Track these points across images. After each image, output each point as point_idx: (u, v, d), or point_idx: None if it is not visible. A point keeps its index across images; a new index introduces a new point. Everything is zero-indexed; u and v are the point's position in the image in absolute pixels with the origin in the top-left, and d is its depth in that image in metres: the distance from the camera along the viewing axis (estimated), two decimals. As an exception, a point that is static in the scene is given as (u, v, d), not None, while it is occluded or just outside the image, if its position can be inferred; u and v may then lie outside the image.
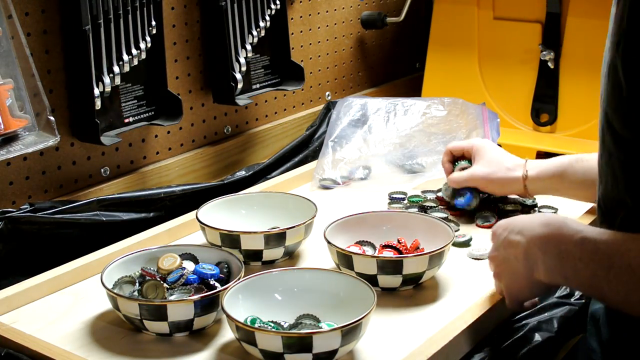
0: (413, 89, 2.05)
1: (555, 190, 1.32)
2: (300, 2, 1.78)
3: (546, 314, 1.06)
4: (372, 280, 1.09)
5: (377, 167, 1.56)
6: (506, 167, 1.34)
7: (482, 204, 1.38)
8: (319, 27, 1.85)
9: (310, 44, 1.84)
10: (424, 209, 1.38)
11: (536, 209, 1.39)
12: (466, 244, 1.26)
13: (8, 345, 0.99)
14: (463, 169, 1.38)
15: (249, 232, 1.19)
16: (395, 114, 1.66)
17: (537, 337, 1.02)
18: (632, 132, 0.85)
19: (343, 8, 1.91)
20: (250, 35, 1.60)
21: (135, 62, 1.40)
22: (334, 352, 0.93)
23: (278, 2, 1.63)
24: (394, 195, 1.45)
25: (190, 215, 1.32)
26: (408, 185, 1.50)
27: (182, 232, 1.32)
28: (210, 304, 1.01)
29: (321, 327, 0.97)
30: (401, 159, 1.57)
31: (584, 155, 1.26)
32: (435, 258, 1.11)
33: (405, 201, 1.43)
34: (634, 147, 0.86)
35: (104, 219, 1.31)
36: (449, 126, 1.61)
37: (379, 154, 1.58)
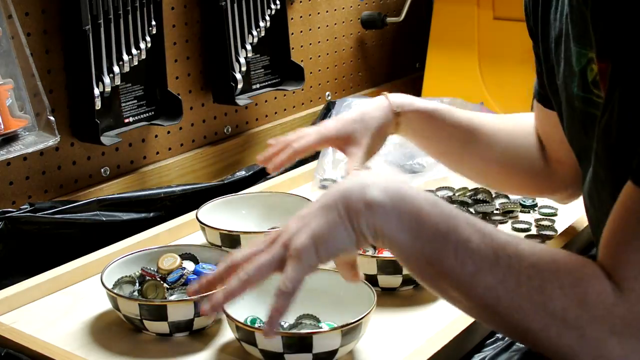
0: (413, 89, 2.04)
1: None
2: (300, 2, 1.78)
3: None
4: (372, 280, 1.09)
5: (377, 167, 1.56)
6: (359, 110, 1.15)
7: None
8: (319, 27, 1.85)
9: (310, 44, 1.84)
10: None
11: (536, 209, 1.39)
12: None
13: (8, 345, 0.99)
14: None
15: (249, 232, 1.19)
16: (395, 114, 1.66)
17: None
18: None
19: (343, 8, 1.91)
20: (250, 35, 1.60)
21: (135, 62, 1.40)
22: (334, 352, 0.93)
23: (278, 2, 1.63)
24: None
25: (190, 215, 1.32)
26: (408, 185, 1.49)
27: (182, 232, 1.32)
28: (210, 304, 1.01)
29: (321, 327, 0.97)
30: (401, 159, 1.56)
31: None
32: (435, 258, 1.10)
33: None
34: None
35: (104, 219, 1.31)
36: (449, 126, 1.61)
37: (379, 153, 1.58)
